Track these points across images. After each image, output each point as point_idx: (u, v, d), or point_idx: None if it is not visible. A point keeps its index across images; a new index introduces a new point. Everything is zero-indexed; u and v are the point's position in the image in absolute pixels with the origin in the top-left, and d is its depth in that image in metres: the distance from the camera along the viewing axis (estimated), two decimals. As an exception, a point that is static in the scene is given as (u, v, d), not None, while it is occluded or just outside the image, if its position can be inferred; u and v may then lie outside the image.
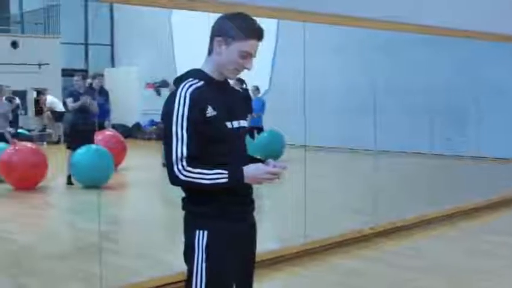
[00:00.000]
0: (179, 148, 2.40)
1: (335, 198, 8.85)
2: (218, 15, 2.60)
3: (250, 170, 2.44)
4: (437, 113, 11.88)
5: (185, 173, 2.41)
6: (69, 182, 9.51)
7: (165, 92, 13.73)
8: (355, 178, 10.26)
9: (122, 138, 11.38)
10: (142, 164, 12.23)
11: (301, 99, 6.14)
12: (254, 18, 2.54)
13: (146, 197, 9.48)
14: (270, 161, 2.52)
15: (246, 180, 2.44)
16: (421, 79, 12.16)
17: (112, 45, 19.50)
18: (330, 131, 12.93)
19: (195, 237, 2.50)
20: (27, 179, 9.41)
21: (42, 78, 16.97)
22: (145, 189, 10.01)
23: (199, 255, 2.48)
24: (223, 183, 2.41)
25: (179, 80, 2.54)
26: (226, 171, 2.41)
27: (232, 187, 2.45)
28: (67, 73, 15.66)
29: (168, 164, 2.43)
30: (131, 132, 17.10)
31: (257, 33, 2.50)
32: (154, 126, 16.64)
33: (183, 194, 2.59)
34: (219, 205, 2.50)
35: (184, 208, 2.59)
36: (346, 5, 5.91)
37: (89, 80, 11.68)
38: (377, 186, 7.38)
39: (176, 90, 2.48)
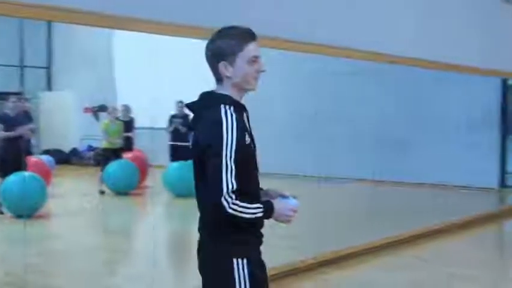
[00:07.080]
0: (230, 180, 2.32)
1: (274, 226, 8.67)
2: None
3: (278, 206, 2.44)
4: (378, 140, 11.92)
5: (233, 206, 2.33)
6: (-2, 211, 9.00)
7: (104, 117, 13.25)
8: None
9: (46, 164, 10.93)
10: (78, 191, 11.82)
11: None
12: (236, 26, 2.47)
13: (80, 226, 9.04)
14: (289, 196, 2.50)
15: (274, 216, 2.43)
16: (364, 108, 12.24)
17: (48, 67, 18.94)
18: (271, 157, 12.77)
19: (233, 266, 2.41)
20: None
21: (-26, 101, 16.28)
22: (80, 217, 9.57)
23: (242, 285, 2.40)
24: (259, 217, 2.40)
25: (203, 104, 2.45)
26: (262, 205, 2.40)
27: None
28: (1, 96, 15.06)
29: (216, 194, 2.31)
30: (68, 157, 16.57)
31: (249, 35, 2.45)
32: (91, 152, 16.13)
33: (199, 224, 2.49)
34: (255, 233, 2.48)
35: (213, 238, 2.45)
36: (294, 30, 5.75)
37: (27, 104, 11.36)
38: (320, 214, 7.26)
39: (218, 114, 2.36)
